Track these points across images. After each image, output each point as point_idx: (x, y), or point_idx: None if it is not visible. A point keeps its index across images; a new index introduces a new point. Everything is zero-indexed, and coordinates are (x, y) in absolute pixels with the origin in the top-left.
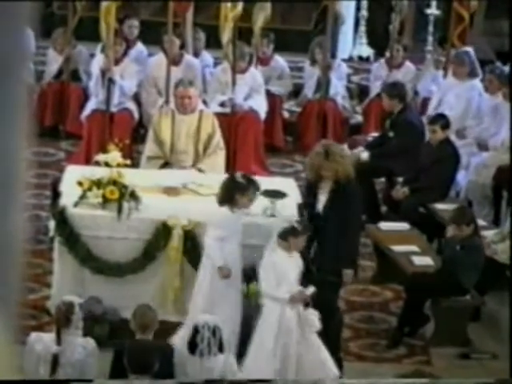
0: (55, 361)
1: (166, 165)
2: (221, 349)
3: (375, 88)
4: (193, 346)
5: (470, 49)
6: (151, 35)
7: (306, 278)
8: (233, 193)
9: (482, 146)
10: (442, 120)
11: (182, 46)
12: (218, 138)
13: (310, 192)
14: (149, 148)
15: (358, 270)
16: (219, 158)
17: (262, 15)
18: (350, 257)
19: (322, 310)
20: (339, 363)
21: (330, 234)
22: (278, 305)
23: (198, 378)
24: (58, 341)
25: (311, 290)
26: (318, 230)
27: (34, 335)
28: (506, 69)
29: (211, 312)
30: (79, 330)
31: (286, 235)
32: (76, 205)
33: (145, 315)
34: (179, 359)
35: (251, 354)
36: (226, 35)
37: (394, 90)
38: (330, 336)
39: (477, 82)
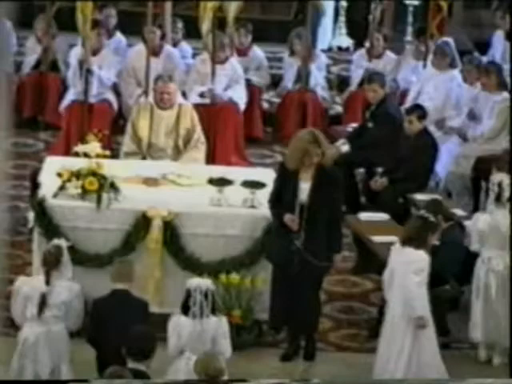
0: (43, 301)
1: (144, 159)
2: (213, 311)
3: (356, 78)
4: (186, 308)
5: (449, 39)
6: (130, 26)
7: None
8: (426, 234)
9: (461, 135)
10: (418, 110)
11: (163, 37)
12: (199, 132)
13: (286, 182)
14: (126, 144)
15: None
16: (200, 152)
17: (233, 4)
18: (339, 241)
19: (312, 294)
20: (313, 346)
21: (318, 221)
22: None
23: (191, 339)
24: (47, 282)
25: None
26: (305, 219)
27: (21, 279)
28: (484, 59)
29: None
30: (67, 273)
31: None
32: (55, 196)
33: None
34: (174, 322)
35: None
36: (205, 26)
37: (374, 75)
38: (313, 319)
39: (456, 73)
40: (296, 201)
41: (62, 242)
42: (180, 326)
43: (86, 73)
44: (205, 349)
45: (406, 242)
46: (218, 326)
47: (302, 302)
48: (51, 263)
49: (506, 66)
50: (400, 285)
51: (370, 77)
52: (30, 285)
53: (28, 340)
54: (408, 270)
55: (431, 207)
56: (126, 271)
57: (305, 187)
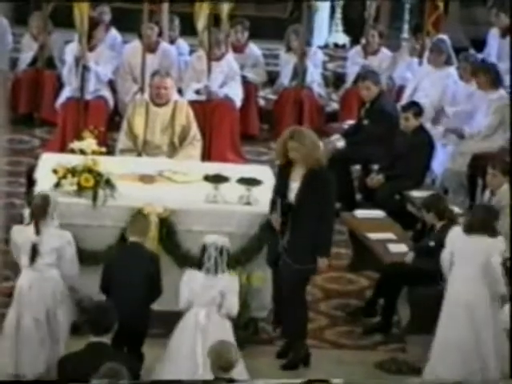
0: (34, 250)
1: (139, 156)
2: (227, 268)
3: (352, 75)
4: (201, 263)
5: (445, 37)
6: (126, 22)
7: (281, 267)
8: (492, 222)
9: (458, 134)
10: (414, 107)
11: (160, 34)
12: (195, 129)
13: (280, 180)
14: (122, 141)
15: (332, 258)
16: (196, 149)
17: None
18: (325, 245)
19: (292, 298)
20: (306, 355)
21: (303, 223)
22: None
23: (201, 293)
24: (37, 231)
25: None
26: (290, 219)
27: (16, 227)
28: (480, 56)
29: None
30: (55, 221)
31: None
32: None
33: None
34: (187, 276)
35: None
36: (200, 23)
37: (368, 72)
38: (295, 325)
39: (452, 70)
40: (285, 200)
41: (51, 193)
42: (192, 280)
43: (83, 69)
44: (214, 304)
45: (474, 229)
46: (229, 283)
47: (285, 306)
48: (39, 214)
49: (502, 65)
50: (461, 272)
51: (364, 74)
52: (21, 235)
53: (23, 287)
54: (489, 253)
55: (432, 202)
56: (141, 226)
57: (294, 187)
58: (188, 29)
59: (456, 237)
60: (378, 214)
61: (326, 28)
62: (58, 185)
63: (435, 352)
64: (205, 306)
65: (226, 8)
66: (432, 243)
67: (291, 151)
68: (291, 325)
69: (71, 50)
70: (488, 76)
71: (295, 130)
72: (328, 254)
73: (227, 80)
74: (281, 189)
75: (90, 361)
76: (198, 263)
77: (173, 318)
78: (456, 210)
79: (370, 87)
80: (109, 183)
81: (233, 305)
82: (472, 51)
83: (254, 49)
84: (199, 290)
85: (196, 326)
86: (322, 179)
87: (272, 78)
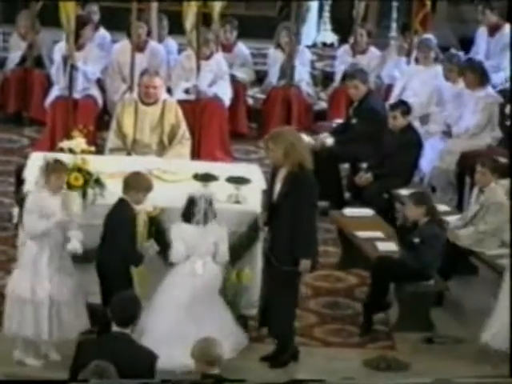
0: None
1: (129, 155)
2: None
3: (340, 74)
4: (188, 216)
5: (431, 36)
6: (115, 21)
7: (266, 269)
8: None
9: (446, 133)
10: (402, 106)
11: (149, 33)
12: (184, 128)
13: (270, 180)
14: (111, 140)
15: (318, 258)
16: (185, 148)
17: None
18: (306, 246)
19: (277, 298)
20: (295, 352)
21: (282, 224)
22: None
23: (195, 244)
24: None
25: None
26: (272, 219)
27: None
28: (464, 55)
29: None
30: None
31: None
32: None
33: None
34: (176, 229)
35: None
36: (189, 22)
37: (355, 71)
38: (281, 326)
39: (440, 69)
40: (270, 202)
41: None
42: (183, 232)
43: (71, 68)
44: (208, 253)
45: None
46: (220, 232)
47: (271, 306)
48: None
49: (490, 63)
50: None
51: (352, 73)
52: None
53: None
54: None
55: (415, 197)
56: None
57: (278, 187)
58: (176, 27)
59: None
60: (367, 212)
61: (314, 27)
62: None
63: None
64: (201, 256)
65: (217, 6)
66: (417, 239)
67: (268, 153)
68: (277, 325)
69: (60, 49)
70: (476, 74)
71: (274, 132)
72: (309, 256)
73: (216, 79)
74: (269, 190)
75: (109, 349)
76: (183, 216)
77: None
78: (444, 207)
79: (358, 86)
80: (98, 182)
81: (225, 252)
82: (454, 51)
83: (243, 48)
84: (193, 241)
85: (193, 275)
86: (300, 181)
87: (260, 77)
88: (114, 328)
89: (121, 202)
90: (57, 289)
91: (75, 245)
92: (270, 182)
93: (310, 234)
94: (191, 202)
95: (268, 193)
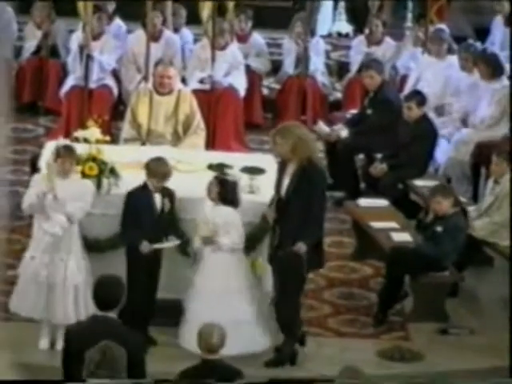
0: None
1: (143, 145)
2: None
3: (355, 64)
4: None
5: (444, 26)
6: (130, 11)
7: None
8: None
9: (462, 123)
10: (417, 97)
11: (164, 23)
12: (198, 118)
13: (278, 176)
14: (126, 130)
15: (336, 247)
16: (199, 138)
17: None
18: (307, 232)
19: (284, 294)
20: (293, 354)
21: (290, 219)
22: None
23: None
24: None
25: None
26: (280, 214)
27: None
28: (481, 46)
29: None
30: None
31: None
32: None
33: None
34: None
35: None
36: (205, 12)
37: (371, 62)
38: (285, 321)
39: (454, 60)
40: (278, 196)
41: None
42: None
43: (87, 58)
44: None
45: None
46: (229, 215)
47: (277, 298)
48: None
49: (506, 53)
50: None
51: (367, 63)
52: None
53: None
54: None
55: (441, 189)
56: (162, 169)
57: (286, 182)
58: (192, 18)
59: None
60: (382, 202)
61: (329, 17)
62: None
63: None
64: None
65: None
66: (439, 228)
67: (276, 147)
68: (280, 319)
69: (76, 39)
70: (489, 66)
71: (282, 125)
72: (308, 240)
73: (231, 69)
74: (276, 184)
75: (94, 333)
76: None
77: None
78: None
79: (373, 76)
80: (113, 172)
81: (235, 238)
82: (471, 41)
83: (258, 38)
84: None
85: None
86: (309, 176)
87: (276, 68)
88: (98, 313)
89: (143, 186)
90: (68, 271)
91: (56, 228)
92: (278, 177)
93: (316, 226)
94: (232, 186)
95: (276, 188)
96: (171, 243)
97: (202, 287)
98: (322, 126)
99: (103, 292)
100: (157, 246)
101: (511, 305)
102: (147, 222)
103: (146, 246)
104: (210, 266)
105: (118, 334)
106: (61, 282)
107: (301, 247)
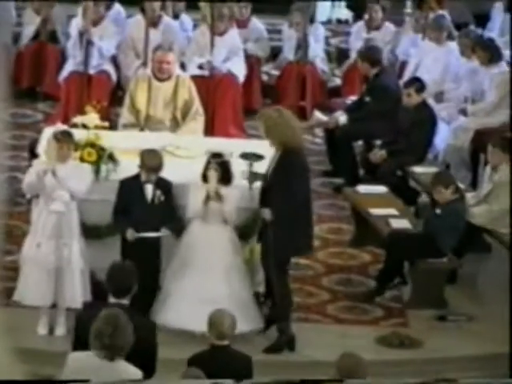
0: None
1: (142, 131)
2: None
3: (355, 50)
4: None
5: (444, 12)
6: None
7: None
8: None
9: (461, 110)
10: (416, 83)
11: (163, 8)
12: (197, 104)
13: (269, 162)
14: (124, 116)
15: (335, 233)
16: (198, 124)
17: None
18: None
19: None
20: (290, 338)
21: (272, 205)
22: None
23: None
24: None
25: None
26: (263, 201)
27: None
28: (480, 32)
29: None
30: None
31: None
32: None
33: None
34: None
35: None
36: None
37: (366, 53)
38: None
39: (454, 46)
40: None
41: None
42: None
43: (87, 43)
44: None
45: None
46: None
47: (270, 284)
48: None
49: (504, 39)
50: None
51: (362, 54)
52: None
53: None
54: None
55: (443, 178)
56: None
57: (270, 169)
58: (192, 3)
59: None
60: (381, 189)
61: (328, 3)
62: None
63: None
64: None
65: None
66: (438, 210)
67: (262, 132)
68: (276, 305)
69: (76, 24)
70: (487, 52)
71: (261, 111)
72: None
73: (230, 55)
74: (266, 171)
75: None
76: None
77: None
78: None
79: (367, 68)
80: (111, 158)
81: (227, 212)
82: (472, 27)
83: (258, 23)
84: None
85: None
86: (285, 164)
87: (275, 53)
88: (112, 300)
89: (136, 175)
90: (72, 255)
91: (58, 205)
92: (268, 164)
93: (291, 206)
94: (208, 162)
95: (264, 175)
96: (160, 233)
97: (188, 260)
98: (319, 116)
99: (118, 278)
100: (142, 234)
101: (511, 291)
102: (136, 212)
103: (131, 234)
104: (197, 239)
105: (131, 320)
106: (66, 266)
107: (265, 213)
